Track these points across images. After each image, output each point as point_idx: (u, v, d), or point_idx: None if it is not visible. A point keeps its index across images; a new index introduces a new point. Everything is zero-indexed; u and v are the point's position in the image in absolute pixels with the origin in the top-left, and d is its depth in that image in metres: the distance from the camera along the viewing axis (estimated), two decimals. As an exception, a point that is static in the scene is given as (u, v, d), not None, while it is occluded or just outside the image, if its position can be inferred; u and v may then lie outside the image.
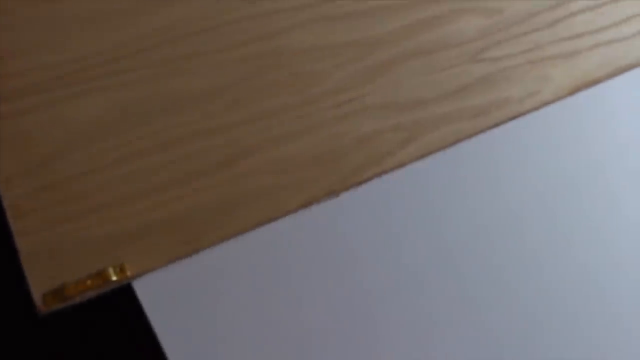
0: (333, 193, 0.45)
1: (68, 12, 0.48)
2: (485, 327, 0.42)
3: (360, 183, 0.46)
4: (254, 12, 0.52)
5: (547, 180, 0.50)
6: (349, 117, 0.49)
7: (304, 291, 0.41)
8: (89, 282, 0.39)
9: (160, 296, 0.40)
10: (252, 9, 0.52)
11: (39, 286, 0.39)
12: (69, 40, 0.48)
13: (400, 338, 0.41)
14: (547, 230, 0.47)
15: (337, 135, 0.48)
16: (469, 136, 0.50)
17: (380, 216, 0.45)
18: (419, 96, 0.51)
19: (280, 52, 0.50)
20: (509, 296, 0.44)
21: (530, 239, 0.47)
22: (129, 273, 0.40)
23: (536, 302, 0.44)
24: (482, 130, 0.50)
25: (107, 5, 0.49)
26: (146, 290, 0.40)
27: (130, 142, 0.45)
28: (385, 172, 0.46)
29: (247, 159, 0.46)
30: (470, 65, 0.53)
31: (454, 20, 0.54)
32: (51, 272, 0.40)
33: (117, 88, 0.47)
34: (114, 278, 0.39)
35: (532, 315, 0.43)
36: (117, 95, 0.47)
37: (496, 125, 0.51)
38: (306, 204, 0.44)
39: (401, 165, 0.47)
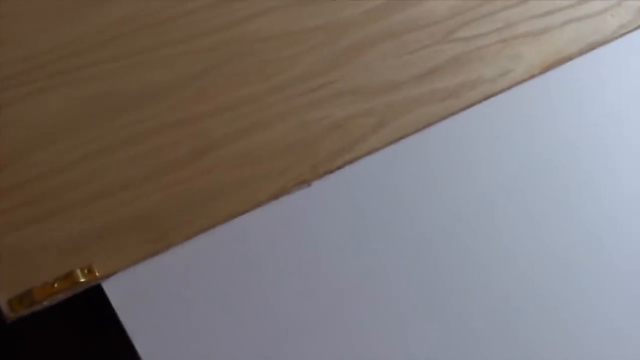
0: (305, 182, 0.44)
1: (21, 7, 0.47)
2: (461, 313, 0.42)
3: (332, 171, 0.45)
4: (218, -1, 0.50)
5: (521, 159, 0.49)
6: (320, 104, 0.48)
7: (277, 284, 0.41)
8: (56, 285, 0.38)
9: (130, 295, 0.39)
10: (216, -5, 0.50)
11: (4, 292, 0.38)
12: (24, 36, 0.46)
13: (376, 324, 0.41)
14: (523, 209, 0.47)
15: (307, 123, 0.47)
16: (442, 118, 0.49)
17: (354, 203, 0.44)
18: (390, 79, 0.50)
19: (247, 40, 0.49)
20: (485, 280, 0.44)
21: (506, 219, 0.46)
22: (97, 274, 0.39)
23: (511, 285, 0.44)
24: (454, 112, 0.49)
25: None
26: (116, 290, 0.39)
27: (94, 139, 0.44)
28: (357, 158, 0.46)
29: (216, 151, 0.45)
30: (441, 46, 0.52)
31: (423, 0, 0.53)
32: (17, 277, 0.38)
33: (77, 84, 0.45)
34: (82, 280, 0.38)
35: (507, 299, 0.43)
36: (78, 91, 0.45)
37: (469, 106, 0.50)
38: (278, 195, 0.43)
39: (374, 150, 0.46)
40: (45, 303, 0.38)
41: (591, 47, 0.55)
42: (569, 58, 0.54)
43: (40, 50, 0.46)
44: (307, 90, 0.48)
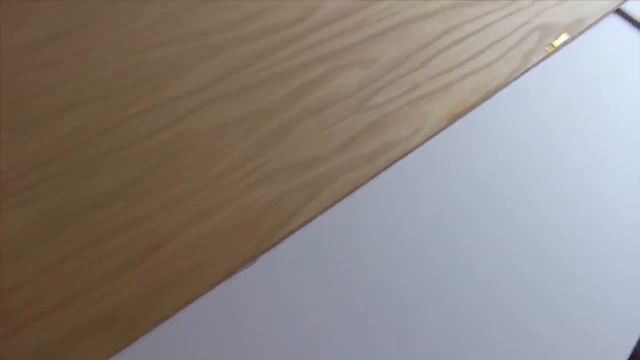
0: (251, 259, 0.50)
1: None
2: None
3: (274, 245, 0.50)
4: (153, 103, 0.56)
5: (441, 205, 0.55)
6: (256, 185, 0.53)
7: (240, 355, 0.45)
8: (38, 391, 0.42)
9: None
10: (151, 101, 0.56)
11: (-9, 406, 0.42)
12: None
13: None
14: (449, 250, 0.53)
15: (248, 205, 0.52)
16: (367, 180, 0.55)
17: (295, 274, 0.50)
18: (316, 153, 0.56)
19: (185, 137, 0.55)
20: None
21: (437, 262, 0.52)
22: (74, 375, 0.43)
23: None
24: (377, 173, 0.56)
25: (7, 120, 0.53)
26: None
27: (57, 247, 0.48)
28: (294, 230, 0.51)
29: (169, 244, 0.50)
30: (357, 115, 0.59)
31: (335, 77, 0.60)
32: (0, 390, 0.42)
33: (36, 198, 0.50)
34: (62, 383, 0.42)
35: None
36: (37, 205, 0.50)
37: (389, 165, 0.57)
38: (228, 275, 0.49)
39: (308, 220, 0.52)
40: (30, 409, 0.42)
41: (489, 95, 0.63)
42: (472, 107, 0.61)
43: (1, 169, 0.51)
44: (244, 174, 0.54)
